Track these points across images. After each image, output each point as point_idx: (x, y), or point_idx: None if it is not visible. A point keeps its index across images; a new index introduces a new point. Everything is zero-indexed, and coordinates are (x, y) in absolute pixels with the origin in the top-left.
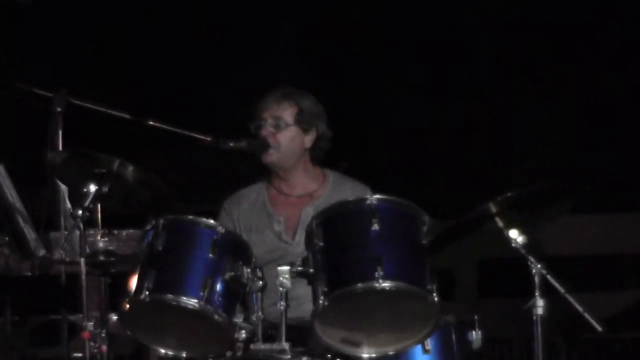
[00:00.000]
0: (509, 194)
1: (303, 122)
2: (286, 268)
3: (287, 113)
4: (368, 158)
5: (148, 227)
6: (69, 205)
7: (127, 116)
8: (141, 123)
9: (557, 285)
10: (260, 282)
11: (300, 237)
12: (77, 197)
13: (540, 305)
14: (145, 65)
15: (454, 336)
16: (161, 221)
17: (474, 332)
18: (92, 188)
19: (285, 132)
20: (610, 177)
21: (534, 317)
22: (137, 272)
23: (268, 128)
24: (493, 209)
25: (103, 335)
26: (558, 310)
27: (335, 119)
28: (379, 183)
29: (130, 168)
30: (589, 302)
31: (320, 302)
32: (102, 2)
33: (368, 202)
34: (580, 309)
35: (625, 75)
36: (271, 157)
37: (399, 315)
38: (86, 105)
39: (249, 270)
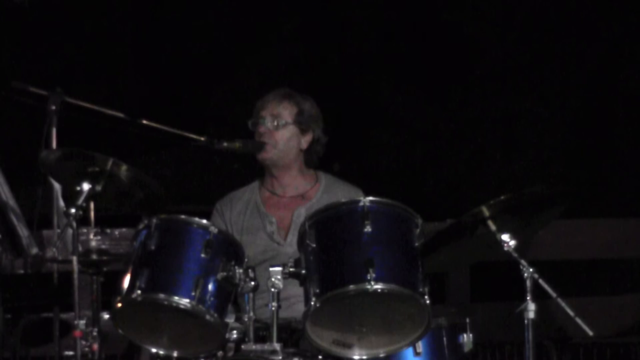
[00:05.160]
0: (501, 198)
1: (302, 122)
2: (278, 269)
3: (287, 112)
4: (363, 160)
5: (141, 226)
6: (62, 203)
7: (121, 115)
8: (135, 122)
9: (549, 289)
10: (252, 283)
11: (292, 238)
12: (71, 195)
13: (531, 309)
14: (140, 65)
15: (445, 339)
16: (154, 221)
17: (465, 335)
18: (86, 187)
19: (284, 131)
20: (603, 182)
21: (526, 321)
22: (130, 271)
23: (267, 125)
24: (486, 212)
25: (95, 333)
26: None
27: (331, 121)
28: (373, 185)
29: (124, 167)
30: (581, 306)
31: (312, 303)
32: (97, 2)
33: (361, 204)
34: (571, 313)
35: (622, 80)
36: (268, 153)
37: (391, 317)
38: (81, 104)
39: (241, 270)
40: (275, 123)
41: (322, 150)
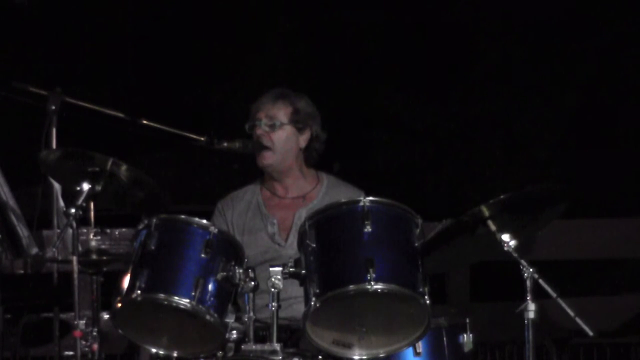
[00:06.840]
0: (501, 198)
1: (298, 121)
2: (278, 269)
3: (282, 113)
4: (363, 160)
5: (141, 226)
6: (62, 203)
7: (121, 115)
8: (135, 122)
9: (549, 289)
10: (252, 283)
11: (293, 239)
12: (71, 195)
13: (531, 309)
14: (141, 65)
15: (445, 339)
16: (154, 220)
17: (465, 336)
18: (86, 186)
19: (280, 132)
20: (603, 181)
21: (526, 321)
22: (130, 271)
23: (263, 128)
24: (486, 212)
25: (94, 334)
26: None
27: (331, 121)
28: (373, 185)
29: (124, 167)
30: (581, 306)
31: (312, 303)
32: (97, 2)
33: (361, 204)
34: (571, 313)
35: (622, 80)
36: (267, 160)
37: (391, 317)
38: (81, 104)
39: (241, 270)
40: (271, 124)
41: (322, 147)
